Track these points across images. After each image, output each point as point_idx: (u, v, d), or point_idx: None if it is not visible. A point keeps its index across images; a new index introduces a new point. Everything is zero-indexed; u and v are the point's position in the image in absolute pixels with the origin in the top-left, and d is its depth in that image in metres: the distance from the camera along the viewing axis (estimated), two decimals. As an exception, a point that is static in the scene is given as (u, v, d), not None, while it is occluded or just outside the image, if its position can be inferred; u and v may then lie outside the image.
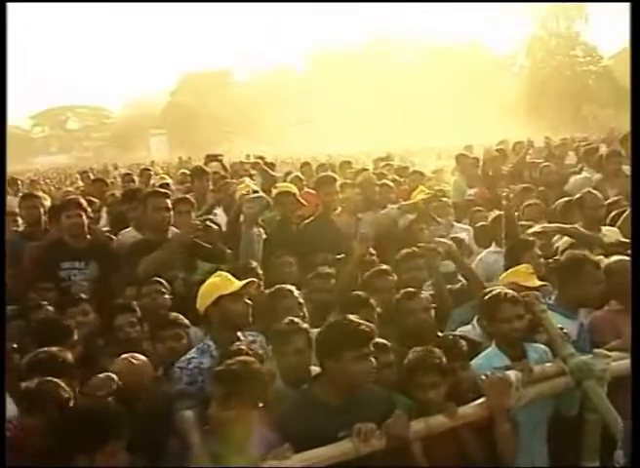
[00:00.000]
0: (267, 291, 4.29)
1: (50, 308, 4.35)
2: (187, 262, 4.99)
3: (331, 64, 65.62)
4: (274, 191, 6.20)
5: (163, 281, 4.55)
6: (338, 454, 2.99)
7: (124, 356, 3.56)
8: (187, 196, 6.00)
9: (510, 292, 3.75)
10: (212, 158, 9.29)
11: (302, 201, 6.23)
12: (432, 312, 4.18)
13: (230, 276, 3.87)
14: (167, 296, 4.47)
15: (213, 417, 3.04)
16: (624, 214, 5.62)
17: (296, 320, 3.66)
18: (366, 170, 7.74)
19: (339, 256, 5.08)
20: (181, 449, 3.02)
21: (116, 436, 2.77)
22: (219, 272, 3.97)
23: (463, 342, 3.61)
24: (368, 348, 3.10)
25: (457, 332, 4.03)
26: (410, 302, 4.11)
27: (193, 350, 3.75)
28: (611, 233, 5.52)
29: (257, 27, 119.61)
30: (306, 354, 3.55)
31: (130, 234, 5.57)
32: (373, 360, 3.12)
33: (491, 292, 3.77)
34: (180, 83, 68.03)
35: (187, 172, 9.74)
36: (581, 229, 5.34)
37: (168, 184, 7.95)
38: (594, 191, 6.06)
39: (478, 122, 46.55)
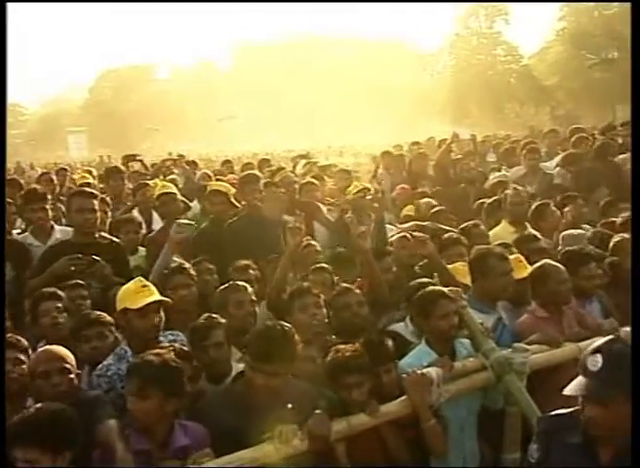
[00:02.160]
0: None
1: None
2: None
3: (255, 60, 65.44)
4: (208, 188, 6.07)
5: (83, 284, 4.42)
6: (259, 457, 2.95)
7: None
8: (103, 196, 5.82)
9: (445, 289, 3.80)
10: (130, 158, 9.08)
11: (234, 201, 6.13)
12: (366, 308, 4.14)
13: (148, 285, 3.75)
14: (88, 301, 4.33)
15: (132, 411, 3.00)
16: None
17: (214, 315, 3.69)
18: (282, 168, 7.69)
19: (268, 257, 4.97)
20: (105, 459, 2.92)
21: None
22: (138, 278, 3.85)
23: (390, 341, 3.60)
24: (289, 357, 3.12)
25: (389, 329, 4.07)
26: (344, 297, 4.09)
27: (111, 356, 3.66)
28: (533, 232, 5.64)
29: (179, 23, 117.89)
30: (225, 348, 3.60)
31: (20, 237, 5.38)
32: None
33: (425, 289, 3.81)
34: (100, 79, 66.21)
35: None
36: (425, 224, 5.52)
37: (89, 184, 7.67)
38: (519, 187, 6.20)
39: (403, 120, 47.46)
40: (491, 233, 5.65)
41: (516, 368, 3.53)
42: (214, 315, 3.70)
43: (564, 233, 5.22)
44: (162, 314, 3.72)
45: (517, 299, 4.33)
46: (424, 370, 3.38)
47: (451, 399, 3.44)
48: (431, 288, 3.82)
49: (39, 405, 2.88)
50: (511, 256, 4.39)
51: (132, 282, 3.82)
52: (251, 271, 4.66)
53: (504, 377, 3.53)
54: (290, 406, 3.07)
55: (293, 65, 62.74)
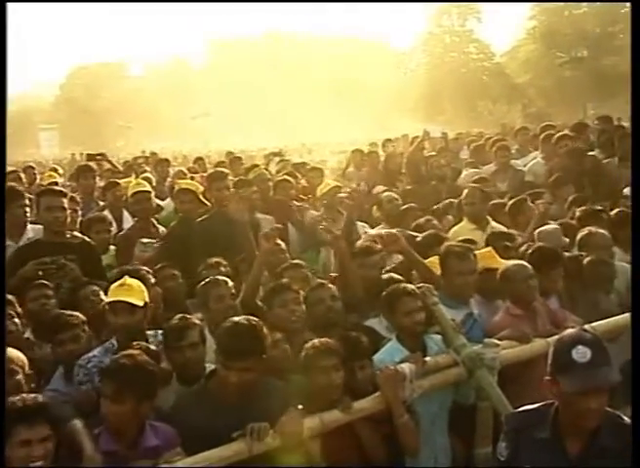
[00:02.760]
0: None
1: None
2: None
3: (229, 57, 65.12)
4: (175, 186, 6.00)
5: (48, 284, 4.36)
6: (231, 455, 2.95)
7: None
8: (73, 195, 5.77)
9: (410, 285, 3.84)
10: (92, 157, 9.05)
11: (203, 199, 6.09)
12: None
13: (130, 284, 3.74)
14: (53, 301, 4.29)
15: (105, 414, 2.99)
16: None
17: (188, 316, 3.68)
18: (257, 166, 7.66)
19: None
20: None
21: None
22: (125, 278, 3.82)
23: (365, 338, 3.62)
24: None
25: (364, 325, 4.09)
26: (318, 292, 4.10)
27: (98, 348, 3.68)
28: (497, 227, 5.71)
29: (152, 19, 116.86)
30: (200, 349, 3.56)
31: None
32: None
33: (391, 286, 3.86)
34: (71, 76, 65.30)
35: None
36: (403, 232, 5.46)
37: (57, 183, 7.58)
38: (476, 185, 6.26)
39: (377, 118, 47.62)
40: (451, 231, 5.69)
41: (487, 363, 3.57)
42: (188, 316, 3.69)
43: (540, 229, 5.27)
44: (147, 312, 3.74)
45: (489, 292, 4.37)
46: (398, 366, 3.40)
47: (423, 394, 3.46)
48: (396, 285, 3.87)
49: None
50: (484, 250, 4.44)
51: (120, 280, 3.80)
52: (222, 269, 4.64)
53: (476, 373, 3.57)
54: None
55: (267, 63, 62.49)
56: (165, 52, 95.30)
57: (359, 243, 5.01)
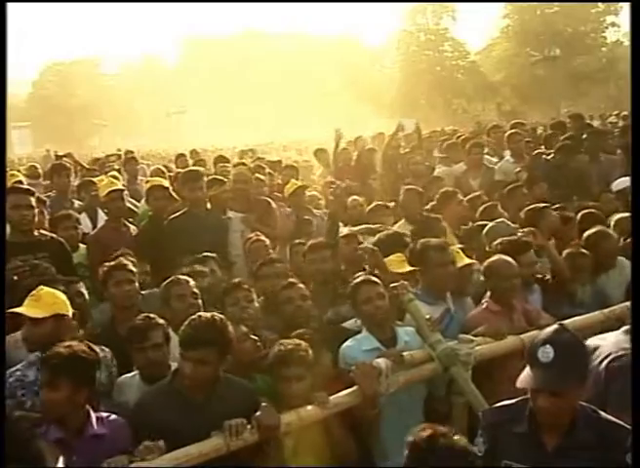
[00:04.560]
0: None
1: None
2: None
3: (203, 54, 64.80)
4: (146, 185, 5.99)
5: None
6: (208, 451, 2.95)
7: None
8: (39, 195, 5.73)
9: (368, 276, 3.96)
10: (58, 158, 9.06)
11: (175, 195, 6.06)
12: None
13: (41, 296, 3.60)
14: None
15: (44, 401, 3.02)
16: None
17: (152, 316, 3.65)
18: (243, 164, 7.63)
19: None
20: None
21: None
22: (39, 287, 3.67)
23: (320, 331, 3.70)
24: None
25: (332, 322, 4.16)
26: (288, 291, 4.13)
27: (23, 363, 3.53)
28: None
29: (125, 15, 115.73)
30: (164, 349, 3.57)
31: None
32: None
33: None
34: (44, 73, 64.46)
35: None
36: (374, 227, 5.64)
37: (21, 181, 7.46)
38: (413, 187, 6.33)
39: (351, 116, 47.63)
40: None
41: (462, 359, 3.61)
42: (152, 315, 3.66)
43: (488, 226, 5.33)
44: (66, 323, 3.59)
45: (457, 289, 4.41)
46: (374, 362, 3.43)
47: (398, 388, 3.48)
48: (358, 276, 3.98)
49: None
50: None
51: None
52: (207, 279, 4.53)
53: (451, 368, 3.60)
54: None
55: (241, 60, 62.33)
56: (139, 50, 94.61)
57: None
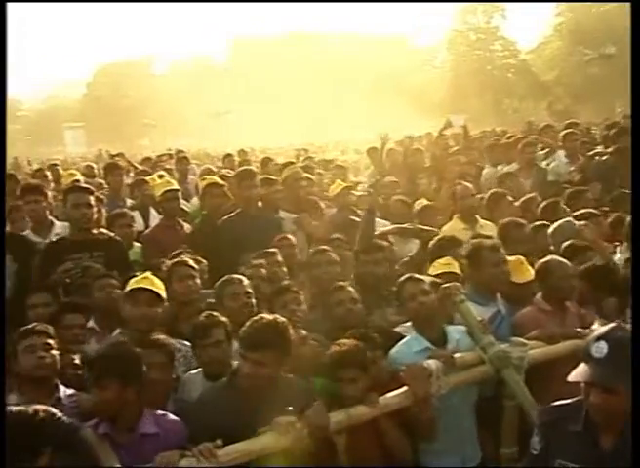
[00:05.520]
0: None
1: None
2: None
3: (253, 54, 65.31)
4: (202, 183, 6.03)
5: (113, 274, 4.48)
6: (258, 448, 2.96)
7: None
8: (97, 193, 5.82)
9: (412, 273, 3.92)
10: (111, 157, 9.22)
11: (229, 194, 6.12)
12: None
13: (150, 278, 3.83)
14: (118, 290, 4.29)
15: (93, 403, 3.07)
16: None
17: (214, 313, 3.68)
18: (292, 163, 7.67)
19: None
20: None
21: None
22: (147, 273, 3.93)
23: (372, 334, 3.65)
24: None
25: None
26: (338, 294, 4.11)
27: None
28: (487, 226, 5.69)
29: (175, 17, 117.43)
30: (225, 346, 3.58)
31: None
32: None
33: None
34: (97, 74, 66.01)
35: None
36: (414, 227, 5.58)
37: (78, 180, 7.66)
38: (465, 183, 6.24)
39: (401, 116, 47.35)
40: (442, 230, 5.63)
41: (514, 362, 3.56)
42: (214, 313, 3.70)
43: (554, 225, 5.22)
44: (157, 309, 3.77)
45: (517, 300, 4.33)
46: (424, 363, 3.40)
47: (449, 390, 3.45)
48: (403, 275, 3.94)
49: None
50: (513, 258, 4.40)
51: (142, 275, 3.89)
52: (263, 270, 4.60)
53: (503, 371, 3.56)
54: (290, 408, 3.08)
55: (291, 60, 62.62)
56: (188, 50, 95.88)
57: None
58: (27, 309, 4.24)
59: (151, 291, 3.78)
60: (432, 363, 3.41)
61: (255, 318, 3.26)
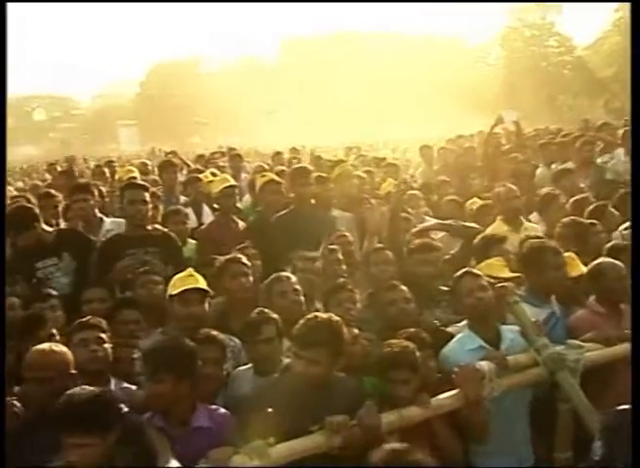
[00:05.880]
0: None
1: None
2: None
3: (302, 53, 65.41)
4: (260, 180, 6.09)
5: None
6: (310, 447, 2.97)
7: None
8: (154, 189, 5.93)
9: (470, 268, 3.89)
10: (167, 154, 9.37)
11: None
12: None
13: (194, 275, 3.89)
14: (160, 286, 4.36)
15: (148, 396, 3.12)
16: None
17: (265, 310, 3.70)
18: (343, 161, 7.67)
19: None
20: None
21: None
22: (189, 269, 3.98)
23: (423, 333, 3.63)
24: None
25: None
26: (391, 293, 4.10)
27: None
28: (531, 228, 5.58)
29: (226, 16, 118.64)
30: (276, 343, 3.60)
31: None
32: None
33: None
34: (150, 73, 67.19)
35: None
36: (457, 223, 5.44)
37: (135, 177, 7.82)
38: (508, 184, 6.12)
39: (453, 114, 46.83)
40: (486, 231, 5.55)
41: (569, 364, 3.49)
42: (265, 310, 3.73)
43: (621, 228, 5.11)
44: (205, 306, 3.84)
45: (569, 299, 4.26)
46: (477, 364, 3.36)
47: (502, 393, 3.40)
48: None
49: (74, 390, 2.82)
50: (565, 254, 4.32)
51: (183, 272, 3.94)
52: (317, 264, 4.63)
53: (557, 374, 3.49)
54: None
55: (340, 59, 62.48)
56: (238, 50, 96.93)
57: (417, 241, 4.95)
58: (83, 304, 4.33)
59: (198, 289, 3.84)
60: (485, 365, 3.37)
61: (309, 316, 3.27)
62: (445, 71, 52.92)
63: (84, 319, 3.67)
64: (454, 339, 3.73)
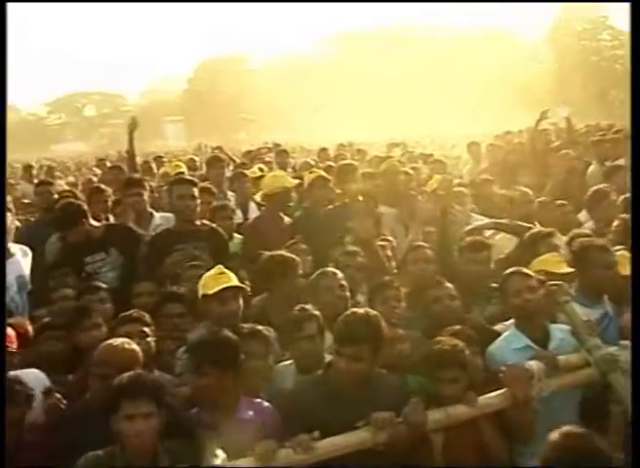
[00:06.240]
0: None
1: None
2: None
3: (348, 50, 65.26)
4: (309, 176, 6.08)
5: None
6: (355, 443, 2.97)
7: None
8: (207, 185, 5.95)
9: (519, 268, 3.79)
10: (214, 150, 9.40)
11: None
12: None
13: (226, 272, 3.89)
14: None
15: (193, 389, 3.18)
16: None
17: (307, 307, 3.69)
18: (390, 157, 7.61)
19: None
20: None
21: None
22: (218, 266, 3.98)
23: (470, 331, 3.60)
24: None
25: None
26: (436, 290, 4.08)
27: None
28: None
29: (272, 13, 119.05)
30: (318, 340, 3.60)
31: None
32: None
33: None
34: (196, 70, 68.03)
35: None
36: (511, 222, 5.36)
37: (183, 173, 7.90)
38: (524, 188, 6.04)
39: (504, 110, 46.16)
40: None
41: (623, 366, 3.39)
42: (307, 306, 3.72)
43: None
44: (240, 302, 3.84)
45: (623, 298, 4.12)
46: (526, 364, 3.31)
47: (551, 393, 3.34)
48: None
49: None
50: (618, 252, 4.22)
51: (212, 270, 3.94)
52: (359, 258, 4.60)
53: (610, 375, 3.40)
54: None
55: (387, 55, 62.19)
56: (283, 46, 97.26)
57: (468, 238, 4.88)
58: (132, 298, 4.40)
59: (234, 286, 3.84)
60: (534, 364, 3.32)
61: (347, 313, 3.25)
62: (495, 68, 52.14)
63: (127, 312, 3.74)
64: (500, 338, 3.68)
